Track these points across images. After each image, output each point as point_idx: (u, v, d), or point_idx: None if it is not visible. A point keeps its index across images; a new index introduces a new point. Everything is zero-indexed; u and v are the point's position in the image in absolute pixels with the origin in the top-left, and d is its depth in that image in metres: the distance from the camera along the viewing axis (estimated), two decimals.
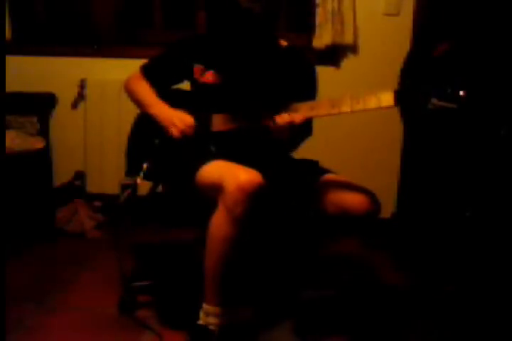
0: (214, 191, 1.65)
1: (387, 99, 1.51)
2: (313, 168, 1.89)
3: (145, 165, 1.83)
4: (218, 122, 1.83)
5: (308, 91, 1.90)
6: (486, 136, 2.18)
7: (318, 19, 2.67)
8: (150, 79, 1.96)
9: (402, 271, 2.43)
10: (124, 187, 1.83)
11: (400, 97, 1.50)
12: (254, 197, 1.60)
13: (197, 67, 1.89)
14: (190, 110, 1.86)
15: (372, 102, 1.54)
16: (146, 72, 1.99)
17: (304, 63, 1.97)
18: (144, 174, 1.83)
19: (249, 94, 1.87)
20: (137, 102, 1.97)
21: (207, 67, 1.88)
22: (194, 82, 1.92)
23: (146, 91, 1.94)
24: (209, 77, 1.88)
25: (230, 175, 1.63)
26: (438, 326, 2.00)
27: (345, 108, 1.59)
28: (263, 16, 1.77)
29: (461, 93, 1.46)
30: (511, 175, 2.12)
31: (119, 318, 1.98)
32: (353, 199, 1.71)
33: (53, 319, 1.97)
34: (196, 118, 1.82)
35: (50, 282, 2.25)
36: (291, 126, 1.68)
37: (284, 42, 1.97)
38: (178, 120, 1.80)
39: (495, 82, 2.09)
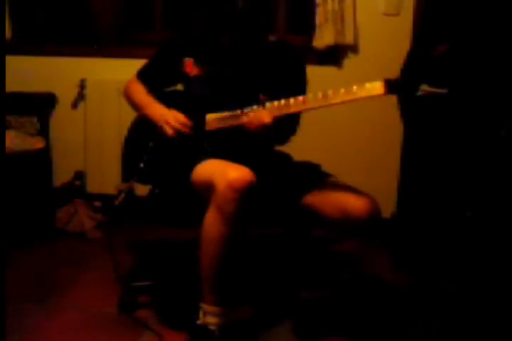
0: (206, 190, 1.65)
1: (377, 87, 1.51)
2: (313, 171, 1.88)
3: (140, 167, 1.83)
4: (211, 121, 1.84)
5: (297, 85, 1.90)
6: (486, 137, 2.18)
7: (318, 19, 2.67)
8: (146, 83, 1.99)
9: (402, 271, 2.43)
10: (119, 192, 1.84)
11: (389, 86, 1.50)
12: (244, 194, 1.59)
13: (188, 61, 1.90)
14: (185, 109, 1.86)
15: (362, 92, 1.54)
16: (141, 76, 2.02)
17: (293, 57, 1.97)
18: (138, 176, 1.83)
19: (236, 88, 1.87)
20: (133, 105, 1.99)
21: (196, 61, 1.89)
22: (185, 76, 1.92)
23: (141, 94, 1.97)
24: (194, 69, 1.89)
25: (220, 173, 1.63)
26: (438, 326, 2.00)
27: (336, 99, 1.59)
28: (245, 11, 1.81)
29: (452, 77, 1.46)
30: (511, 175, 2.12)
31: (119, 318, 1.98)
32: (353, 205, 1.70)
33: (53, 319, 1.97)
34: (191, 118, 1.83)
35: (50, 282, 2.25)
36: (264, 123, 1.68)
37: (272, 37, 1.98)
38: (172, 118, 1.81)
39: (494, 83, 2.09)
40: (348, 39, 2.70)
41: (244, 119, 1.73)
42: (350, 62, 2.81)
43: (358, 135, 2.84)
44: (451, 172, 2.34)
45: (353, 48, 2.78)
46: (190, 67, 1.89)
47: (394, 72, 2.34)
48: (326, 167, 1.90)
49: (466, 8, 2.26)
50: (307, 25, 2.79)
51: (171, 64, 1.93)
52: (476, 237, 2.22)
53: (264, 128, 1.69)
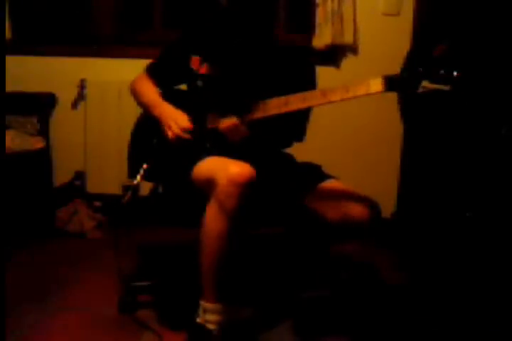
0: (207, 186, 1.66)
1: (376, 84, 1.51)
2: (314, 173, 1.88)
3: (144, 165, 1.83)
4: (212, 119, 1.84)
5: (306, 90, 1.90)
6: (486, 136, 2.18)
7: (318, 19, 2.68)
8: (155, 79, 1.98)
9: (402, 271, 2.43)
10: (125, 188, 1.84)
11: (389, 82, 1.50)
12: (245, 189, 1.59)
13: (195, 58, 1.90)
14: (189, 107, 1.86)
15: (361, 89, 1.54)
16: (151, 72, 2.00)
17: (303, 62, 1.97)
18: (142, 174, 1.83)
19: (241, 89, 1.87)
20: (141, 104, 1.98)
21: (204, 59, 1.89)
22: (192, 73, 1.91)
23: (149, 93, 1.95)
24: (204, 68, 1.88)
25: (221, 168, 1.64)
26: (438, 325, 2.00)
27: (336, 97, 1.59)
28: (231, 10, 1.81)
29: (455, 73, 1.45)
30: (511, 174, 2.12)
31: (119, 318, 1.98)
32: (354, 209, 1.70)
33: (53, 319, 1.97)
34: (193, 116, 1.83)
35: (50, 282, 2.25)
36: (239, 131, 1.75)
37: (283, 42, 1.98)
38: (174, 123, 1.81)
39: (494, 82, 2.09)
40: (348, 39, 2.71)
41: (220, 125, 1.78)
42: (349, 62, 2.81)
43: (358, 135, 2.85)
44: (451, 171, 2.34)
45: (353, 48, 2.78)
46: (197, 64, 1.89)
47: (393, 72, 2.35)
48: (327, 167, 1.90)
49: (466, 8, 2.27)
50: (307, 25, 2.79)
51: (180, 61, 1.92)
52: (475, 237, 2.22)
53: (239, 136, 1.76)
